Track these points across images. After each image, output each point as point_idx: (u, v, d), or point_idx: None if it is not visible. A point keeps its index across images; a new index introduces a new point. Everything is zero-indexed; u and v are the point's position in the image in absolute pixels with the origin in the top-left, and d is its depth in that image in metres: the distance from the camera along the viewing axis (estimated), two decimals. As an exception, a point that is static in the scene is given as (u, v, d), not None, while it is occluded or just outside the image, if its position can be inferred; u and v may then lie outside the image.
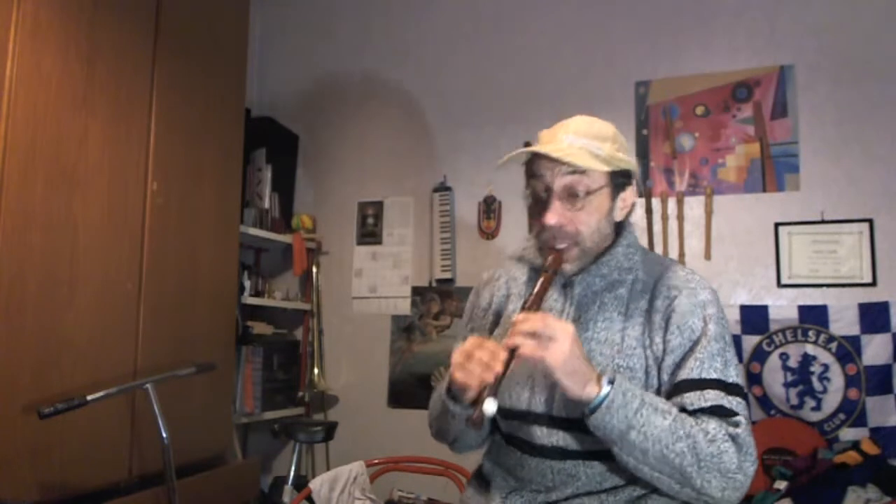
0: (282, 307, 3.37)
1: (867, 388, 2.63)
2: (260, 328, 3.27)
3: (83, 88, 2.07)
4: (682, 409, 1.19)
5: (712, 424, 1.16)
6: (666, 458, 1.14)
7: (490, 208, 3.27)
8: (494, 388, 1.13)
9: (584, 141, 1.25)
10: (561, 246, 1.27)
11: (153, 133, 2.31)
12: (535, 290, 1.24)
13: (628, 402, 1.15)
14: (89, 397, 1.82)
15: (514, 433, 1.34)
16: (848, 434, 2.61)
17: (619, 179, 1.29)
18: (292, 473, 2.70)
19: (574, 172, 1.24)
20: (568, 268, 1.30)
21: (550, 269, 1.26)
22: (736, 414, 1.18)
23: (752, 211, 2.87)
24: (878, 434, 2.57)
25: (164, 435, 1.92)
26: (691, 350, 1.23)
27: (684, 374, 1.22)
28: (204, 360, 2.20)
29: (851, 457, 2.43)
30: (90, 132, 2.09)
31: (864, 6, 2.80)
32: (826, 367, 2.68)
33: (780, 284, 2.80)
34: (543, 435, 1.28)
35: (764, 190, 2.86)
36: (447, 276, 3.27)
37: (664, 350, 1.25)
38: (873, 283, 2.69)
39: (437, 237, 3.32)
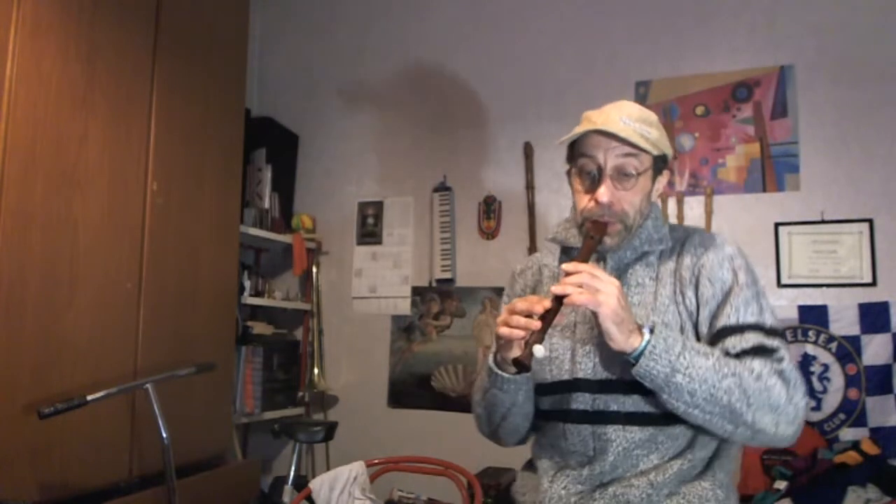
0: (282, 307, 3.37)
1: (867, 388, 2.63)
2: (260, 328, 3.27)
3: (83, 88, 2.07)
4: (726, 354, 1.23)
5: (756, 362, 1.20)
6: (714, 398, 1.17)
7: (490, 208, 3.27)
8: (542, 334, 1.17)
9: (636, 124, 1.32)
10: (607, 220, 1.32)
11: (153, 133, 2.31)
12: (580, 252, 1.30)
13: (670, 346, 1.18)
14: (89, 397, 1.82)
15: (556, 407, 1.36)
16: (848, 434, 2.61)
17: (659, 164, 1.36)
18: (292, 473, 2.70)
19: (626, 154, 1.30)
20: (609, 241, 1.34)
21: (596, 236, 1.31)
22: (778, 350, 1.22)
23: (752, 211, 2.87)
24: (878, 434, 2.57)
25: (164, 435, 1.91)
26: (725, 299, 1.28)
27: (722, 321, 1.26)
28: (204, 360, 2.20)
29: (851, 457, 2.43)
30: (90, 132, 2.09)
31: (864, 6, 2.80)
32: (826, 367, 2.69)
33: (780, 284, 2.80)
34: (586, 401, 1.31)
35: (764, 190, 2.86)
36: (447, 276, 3.28)
37: (697, 304, 1.30)
38: (873, 283, 2.69)
39: (437, 237, 3.32)
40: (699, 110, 2.99)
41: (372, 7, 3.61)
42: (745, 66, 2.94)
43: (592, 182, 1.33)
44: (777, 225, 2.83)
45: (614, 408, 1.28)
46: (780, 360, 1.21)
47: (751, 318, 1.25)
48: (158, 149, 2.33)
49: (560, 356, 1.34)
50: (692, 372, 1.17)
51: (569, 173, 1.40)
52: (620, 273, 1.36)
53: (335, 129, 3.60)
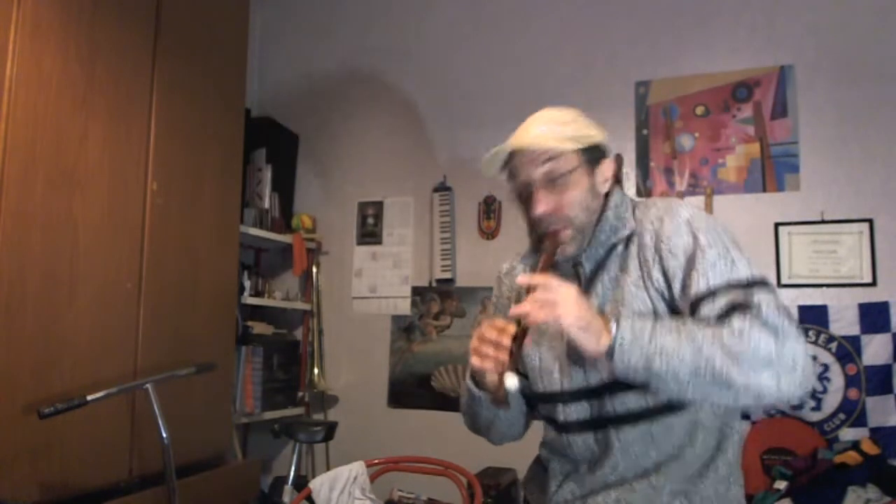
0: (282, 307, 3.37)
1: (867, 388, 2.63)
2: (260, 328, 3.27)
3: (83, 88, 2.07)
4: (705, 323, 1.16)
5: (735, 320, 1.13)
6: (699, 372, 1.11)
7: (490, 208, 3.27)
8: (512, 364, 1.15)
9: (546, 128, 1.30)
10: (554, 228, 1.30)
11: (153, 133, 2.31)
12: (539, 270, 1.27)
13: (638, 335, 1.14)
14: (89, 397, 1.82)
15: (556, 417, 1.35)
16: (848, 434, 2.61)
17: (591, 155, 1.32)
18: (292, 473, 2.70)
19: (548, 160, 1.28)
20: (568, 249, 1.32)
21: (550, 248, 1.29)
22: (755, 300, 1.14)
23: (752, 211, 2.87)
24: (878, 434, 2.57)
25: (164, 435, 1.91)
26: (691, 267, 1.21)
27: (693, 290, 1.20)
28: (204, 360, 2.20)
29: (851, 457, 2.43)
30: (90, 132, 2.09)
31: (864, 6, 2.80)
32: (826, 367, 2.69)
33: (780, 284, 2.80)
34: (583, 410, 1.30)
35: (764, 190, 2.86)
36: (447, 276, 3.28)
37: (667, 281, 1.25)
38: (873, 283, 2.69)
39: (437, 237, 3.32)
40: (699, 110, 2.99)
41: (372, 7, 3.61)
42: (745, 66, 2.94)
43: (529, 199, 1.32)
44: (777, 225, 2.83)
45: (609, 410, 1.27)
46: (759, 308, 1.12)
47: (721, 279, 1.18)
48: (158, 149, 2.33)
49: (549, 367, 1.34)
50: (668, 353, 1.11)
51: (511, 189, 1.39)
52: (597, 272, 1.33)
53: (335, 129, 3.60)
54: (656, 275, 1.25)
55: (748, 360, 1.09)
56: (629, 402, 1.25)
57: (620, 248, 1.32)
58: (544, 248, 1.30)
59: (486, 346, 1.19)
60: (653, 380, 1.15)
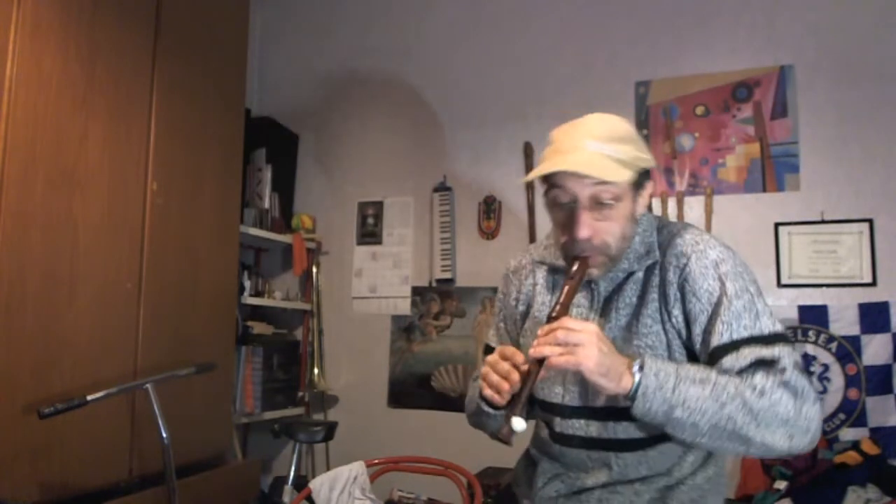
0: (282, 307, 3.37)
1: (867, 388, 2.63)
2: (260, 328, 3.27)
3: (83, 88, 2.07)
4: (725, 374, 1.16)
5: (758, 378, 1.13)
6: (718, 427, 1.12)
7: (490, 208, 3.27)
8: (522, 407, 1.12)
9: (605, 147, 1.21)
10: (588, 254, 1.25)
11: (153, 133, 2.31)
12: (562, 299, 1.21)
13: (662, 383, 1.12)
14: (89, 397, 1.82)
15: (551, 425, 1.35)
16: (848, 434, 2.61)
17: (639, 179, 1.27)
18: (292, 473, 2.70)
19: (600, 182, 1.20)
20: (595, 272, 1.27)
21: (577, 277, 1.24)
22: (780, 360, 1.14)
23: (752, 211, 2.87)
24: (878, 434, 2.57)
25: (164, 435, 1.91)
26: (715, 314, 1.19)
27: (715, 340, 1.19)
28: (204, 360, 2.20)
29: (851, 457, 2.43)
30: (90, 132, 2.09)
31: (864, 6, 2.80)
32: (826, 367, 2.68)
33: (780, 284, 2.80)
34: (580, 427, 1.30)
35: (764, 190, 2.86)
36: (447, 276, 3.27)
37: (687, 320, 1.23)
38: (873, 283, 2.69)
39: (437, 237, 3.32)
40: (699, 110, 2.99)
41: (372, 7, 3.61)
42: (745, 66, 2.94)
43: (569, 214, 1.23)
44: (777, 225, 2.83)
45: (609, 434, 1.27)
46: (783, 370, 1.13)
47: (745, 332, 1.17)
48: (158, 149, 2.33)
49: (552, 377, 1.32)
50: (690, 405, 1.11)
51: (546, 194, 1.30)
52: (613, 294, 1.30)
53: (335, 129, 3.60)
54: (676, 313, 1.24)
55: (767, 419, 1.11)
56: (631, 429, 1.25)
57: (640, 274, 1.29)
58: (572, 274, 1.24)
59: (499, 379, 1.16)
60: (670, 426, 1.14)
